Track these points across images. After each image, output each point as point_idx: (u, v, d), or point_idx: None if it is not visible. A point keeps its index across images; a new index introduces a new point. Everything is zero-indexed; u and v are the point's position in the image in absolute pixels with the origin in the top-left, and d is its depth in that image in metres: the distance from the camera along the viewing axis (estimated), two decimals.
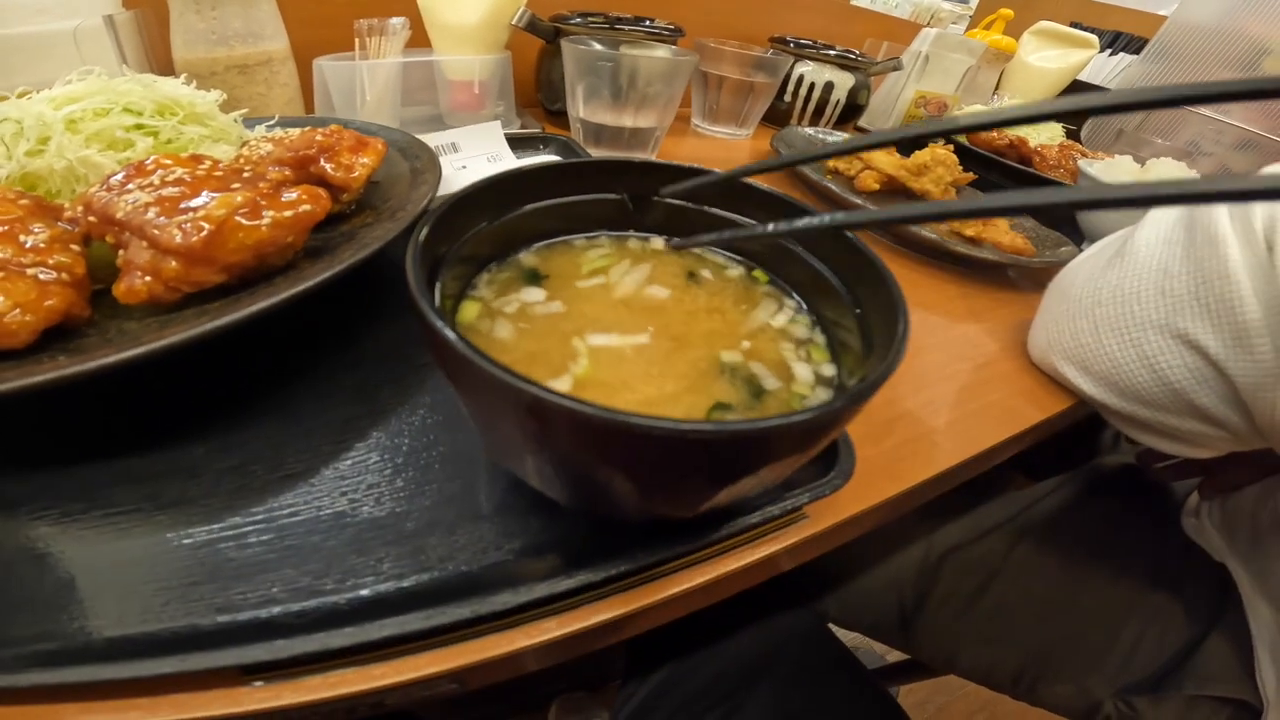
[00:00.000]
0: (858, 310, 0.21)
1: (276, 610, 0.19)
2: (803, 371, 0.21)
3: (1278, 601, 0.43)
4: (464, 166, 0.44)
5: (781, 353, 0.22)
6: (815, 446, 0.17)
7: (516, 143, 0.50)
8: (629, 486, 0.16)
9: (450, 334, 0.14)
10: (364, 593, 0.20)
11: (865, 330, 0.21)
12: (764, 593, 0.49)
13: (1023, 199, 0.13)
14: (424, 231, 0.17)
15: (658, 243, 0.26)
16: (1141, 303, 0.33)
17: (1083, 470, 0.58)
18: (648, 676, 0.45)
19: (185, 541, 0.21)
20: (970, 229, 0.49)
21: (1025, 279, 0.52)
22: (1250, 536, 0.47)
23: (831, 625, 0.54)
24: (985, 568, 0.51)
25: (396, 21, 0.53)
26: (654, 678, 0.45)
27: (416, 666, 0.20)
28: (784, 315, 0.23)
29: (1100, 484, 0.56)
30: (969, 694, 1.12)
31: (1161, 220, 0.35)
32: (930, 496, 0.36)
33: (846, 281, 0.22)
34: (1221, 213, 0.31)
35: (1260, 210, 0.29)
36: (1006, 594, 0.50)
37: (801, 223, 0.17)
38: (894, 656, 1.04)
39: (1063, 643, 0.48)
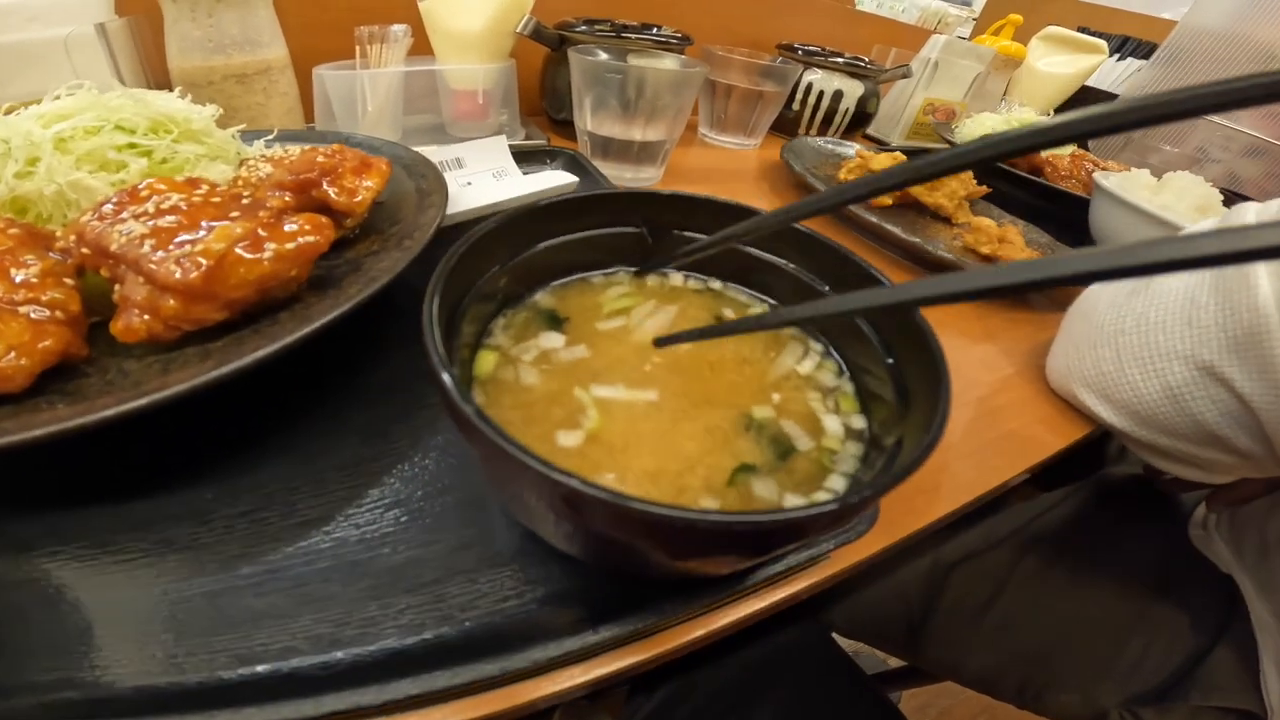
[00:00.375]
0: (889, 360, 0.20)
1: (300, 662, 0.19)
2: (832, 424, 0.20)
3: None
4: (469, 183, 0.43)
5: (809, 403, 0.21)
6: (849, 521, 0.16)
7: (522, 157, 0.49)
8: (659, 559, 0.15)
9: (478, 419, 0.13)
10: (387, 644, 0.19)
11: (898, 380, 0.20)
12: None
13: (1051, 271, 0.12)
14: (439, 287, 0.16)
15: (677, 279, 0.25)
16: (1167, 333, 0.33)
17: (1090, 481, 0.58)
18: (654, 691, 0.45)
19: (201, 589, 0.20)
20: (986, 247, 0.49)
21: (1041, 298, 0.51)
22: (1258, 549, 0.47)
23: (836, 636, 0.53)
24: (993, 579, 0.51)
25: (398, 29, 0.51)
26: (660, 692, 0.44)
27: (443, 715, 0.19)
28: (810, 361, 0.22)
29: (1107, 495, 0.56)
30: (970, 698, 1.12)
31: None
32: (944, 524, 0.35)
33: (876, 326, 0.21)
34: None
35: None
36: (1014, 605, 0.50)
37: (865, 298, 0.15)
38: (895, 661, 1.04)
39: (1069, 653, 0.48)
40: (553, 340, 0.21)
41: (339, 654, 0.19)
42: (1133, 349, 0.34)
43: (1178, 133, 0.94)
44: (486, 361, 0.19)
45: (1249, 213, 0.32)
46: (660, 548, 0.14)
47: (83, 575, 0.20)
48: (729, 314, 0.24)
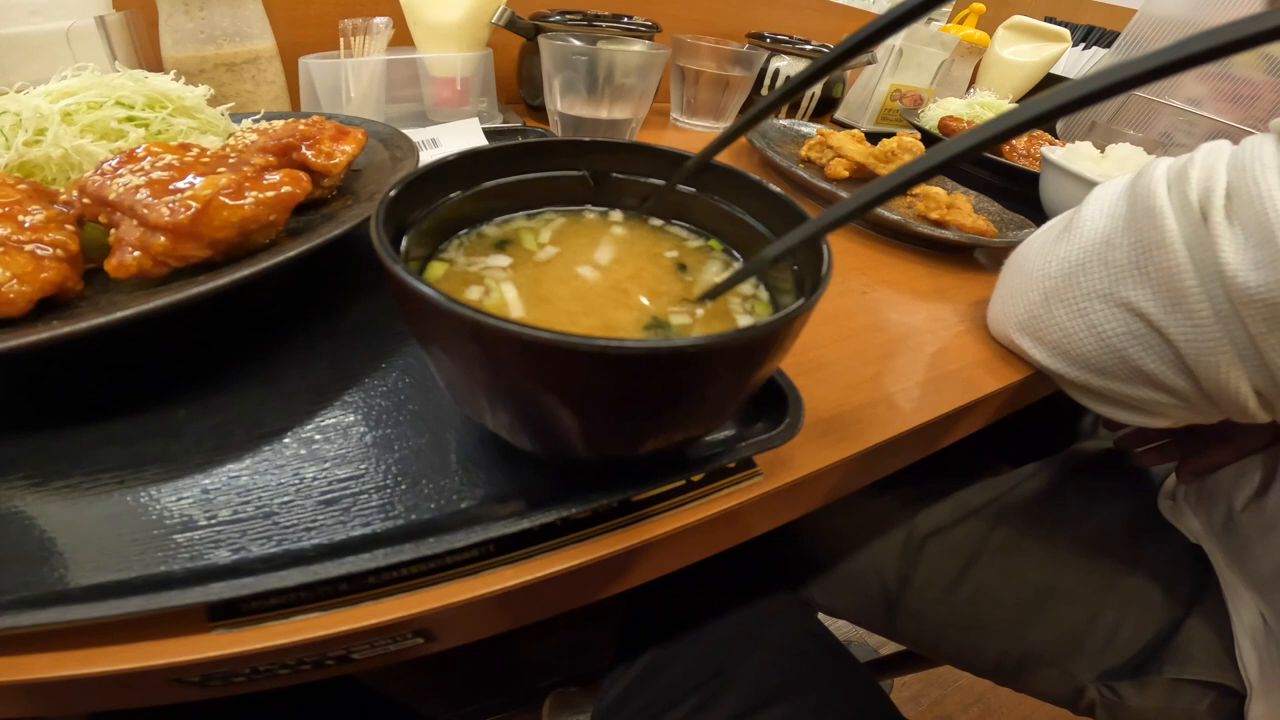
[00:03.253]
0: (795, 267, 0.23)
1: (244, 556, 0.20)
2: (746, 322, 0.23)
3: (1255, 584, 0.44)
4: None
5: (729, 307, 0.23)
6: (745, 374, 0.18)
7: (495, 136, 0.52)
8: (570, 414, 0.17)
9: (401, 268, 0.15)
10: (330, 539, 0.21)
11: (800, 282, 0.22)
12: (748, 578, 0.51)
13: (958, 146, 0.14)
14: (393, 192, 0.19)
15: (616, 215, 0.28)
16: (1087, 273, 0.34)
17: (1061, 455, 0.59)
18: (633, 662, 0.46)
19: (165, 498, 0.22)
20: (935, 212, 0.51)
21: (990, 260, 0.54)
22: (1225, 518, 0.48)
23: (820, 615, 0.54)
24: (965, 551, 0.52)
25: (380, 21, 0.55)
26: (639, 662, 0.46)
27: (378, 613, 0.20)
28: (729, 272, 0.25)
29: (1079, 468, 0.57)
30: (963, 687, 1.13)
31: (1105, 195, 0.36)
32: (892, 468, 0.37)
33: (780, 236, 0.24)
34: (1160, 185, 0.32)
35: (1195, 181, 0.30)
36: (987, 577, 0.51)
37: (796, 235, 0.18)
38: (887, 649, 1.05)
39: (1043, 627, 0.49)
40: (498, 260, 0.24)
41: (282, 548, 0.20)
42: (1058, 291, 0.36)
43: (1142, 119, 0.97)
44: (435, 270, 0.22)
45: (1160, 165, 0.34)
46: (563, 395, 0.17)
47: (56, 491, 0.22)
48: (671, 249, 0.27)
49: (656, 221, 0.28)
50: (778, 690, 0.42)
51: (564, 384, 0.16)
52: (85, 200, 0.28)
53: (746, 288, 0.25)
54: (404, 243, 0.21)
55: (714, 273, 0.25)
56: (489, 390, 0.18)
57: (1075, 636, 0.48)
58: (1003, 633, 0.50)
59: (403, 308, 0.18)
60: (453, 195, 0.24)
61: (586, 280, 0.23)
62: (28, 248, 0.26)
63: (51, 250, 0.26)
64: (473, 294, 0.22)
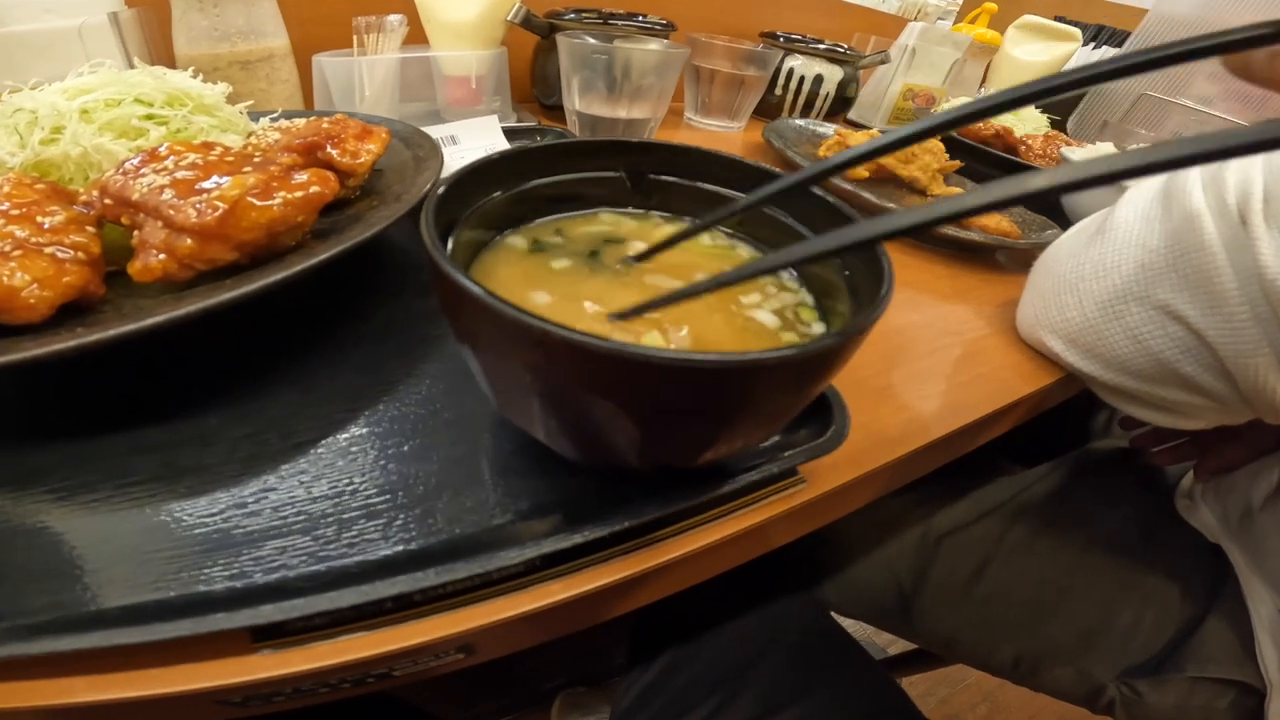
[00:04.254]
0: (847, 273, 0.22)
1: (287, 575, 0.19)
2: (790, 338, 0.22)
3: (1275, 582, 0.44)
4: (463, 158, 0.45)
5: (785, 318, 0.23)
6: (808, 387, 0.18)
7: (513, 135, 0.51)
8: (631, 425, 0.17)
9: (454, 270, 0.15)
10: (374, 555, 0.20)
11: (854, 292, 0.22)
12: (763, 579, 0.50)
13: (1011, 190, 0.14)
14: (441, 190, 0.18)
15: (656, 218, 0.27)
16: (1122, 276, 0.34)
17: (1075, 455, 0.59)
18: (650, 664, 0.46)
19: (199, 509, 0.21)
20: None
21: (1012, 261, 0.53)
22: (1243, 516, 0.48)
23: (834, 615, 0.54)
24: (981, 550, 0.52)
25: (394, 19, 0.54)
26: (656, 664, 0.45)
27: (424, 631, 0.20)
28: (778, 284, 0.24)
29: (1092, 468, 0.57)
30: (971, 685, 1.13)
31: (1139, 198, 0.36)
32: (923, 471, 0.37)
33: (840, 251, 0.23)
34: (1196, 187, 0.32)
35: (1232, 184, 0.30)
36: (1003, 576, 0.50)
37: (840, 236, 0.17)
38: (895, 649, 1.05)
39: (1060, 625, 0.49)
40: (555, 263, 0.23)
41: (325, 566, 0.20)
42: (1093, 294, 0.36)
43: (1153, 118, 0.97)
44: (483, 271, 0.22)
45: (1192, 169, 0.34)
46: (622, 404, 0.16)
47: (86, 501, 0.21)
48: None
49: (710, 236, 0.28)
50: (795, 690, 0.42)
51: (629, 395, 0.16)
52: (107, 201, 0.27)
53: (789, 296, 0.24)
54: (449, 244, 0.20)
55: (762, 286, 0.25)
56: (545, 398, 0.17)
57: (1092, 635, 0.48)
58: (1019, 631, 0.50)
59: (454, 312, 0.17)
60: (494, 194, 0.23)
61: (621, 293, 0.23)
62: (48, 250, 0.25)
63: (73, 253, 0.25)
64: (535, 298, 0.21)
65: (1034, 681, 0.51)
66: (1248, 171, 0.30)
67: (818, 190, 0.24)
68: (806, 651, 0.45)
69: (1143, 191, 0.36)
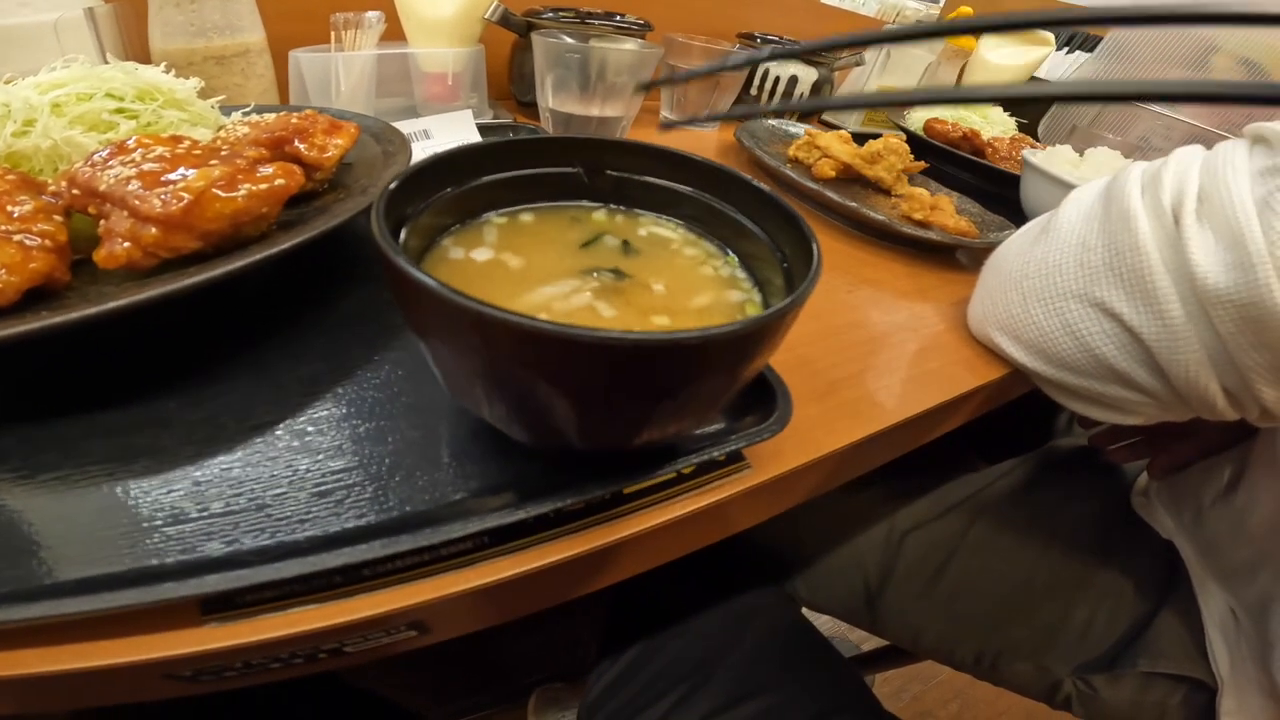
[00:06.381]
0: (785, 265, 0.24)
1: (238, 549, 0.20)
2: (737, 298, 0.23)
3: (1224, 579, 0.46)
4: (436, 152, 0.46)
5: (726, 300, 0.24)
6: (737, 368, 0.19)
7: (487, 131, 0.52)
8: (568, 405, 0.18)
9: (397, 253, 0.16)
10: (325, 531, 0.21)
11: (789, 276, 0.23)
12: (733, 573, 0.52)
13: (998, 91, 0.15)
14: (393, 184, 0.19)
15: (602, 213, 0.29)
16: (1063, 274, 0.35)
17: (1037, 453, 0.61)
18: (619, 656, 0.47)
19: (156, 490, 0.22)
20: (919, 213, 0.52)
21: (971, 260, 0.55)
22: (1195, 514, 0.49)
23: (805, 611, 0.55)
24: (944, 546, 0.53)
25: (372, 15, 0.55)
26: (625, 656, 0.46)
27: (372, 605, 0.20)
28: (725, 269, 0.26)
29: (1054, 465, 0.59)
30: (943, 682, 1.15)
31: (1082, 198, 0.37)
32: (875, 462, 0.38)
33: (771, 235, 0.25)
34: (1134, 189, 0.33)
35: (1169, 186, 0.31)
36: (965, 572, 0.52)
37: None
38: (869, 645, 1.07)
39: (1020, 621, 0.50)
40: (495, 253, 0.24)
41: (275, 540, 0.20)
42: (1036, 291, 0.37)
43: (1121, 123, 0.99)
44: (432, 261, 0.23)
45: (1135, 169, 0.35)
46: (565, 387, 0.17)
47: (45, 483, 0.22)
48: (642, 234, 0.27)
49: (649, 215, 0.29)
50: (761, 682, 0.43)
51: (563, 375, 0.17)
52: (75, 191, 0.28)
53: (727, 270, 0.25)
54: (403, 234, 0.21)
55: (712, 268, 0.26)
56: (487, 380, 0.18)
57: (1050, 630, 0.49)
58: (980, 627, 0.51)
59: (402, 299, 0.18)
60: (446, 191, 0.24)
61: (579, 277, 0.24)
62: (16, 238, 0.26)
63: (39, 240, 0.26)
64: (471, 285, 0.22)
65: (995, 676, 0.52)
66: (1185, 174, 0.31)
67: (763, 186, 0.25)
68: (774, 645, 0.46)
69: (1086, 192, 0.38)
